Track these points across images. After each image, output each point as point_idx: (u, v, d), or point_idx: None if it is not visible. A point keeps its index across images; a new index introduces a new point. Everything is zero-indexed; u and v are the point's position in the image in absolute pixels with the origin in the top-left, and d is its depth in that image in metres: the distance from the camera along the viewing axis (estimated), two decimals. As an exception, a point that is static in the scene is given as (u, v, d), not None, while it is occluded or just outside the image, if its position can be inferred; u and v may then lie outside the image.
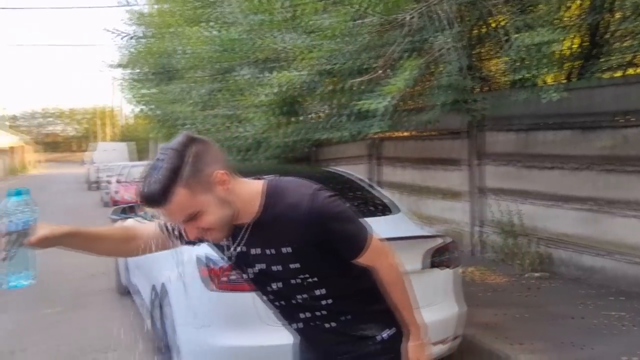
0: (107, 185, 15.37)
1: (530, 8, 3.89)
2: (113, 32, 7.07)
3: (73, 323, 4.83)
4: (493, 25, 4.34)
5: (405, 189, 8.33)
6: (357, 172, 9.11)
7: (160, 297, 3.57)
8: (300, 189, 1.39)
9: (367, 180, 4.22)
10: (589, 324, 4.07)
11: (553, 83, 5.04)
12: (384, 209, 3.69)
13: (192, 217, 1.27)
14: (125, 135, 39.52)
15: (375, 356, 1.51)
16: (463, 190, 6.88)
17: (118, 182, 14.37)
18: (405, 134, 8.28)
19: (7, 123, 47.16)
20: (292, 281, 1.44)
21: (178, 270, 3.35)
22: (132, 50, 10.31)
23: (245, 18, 3.98)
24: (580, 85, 5.06)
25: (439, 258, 3.24)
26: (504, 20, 4.25)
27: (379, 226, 3.39)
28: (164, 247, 1.54)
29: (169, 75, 7.64)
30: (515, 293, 5.01)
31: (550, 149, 5.62)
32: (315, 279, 1.44)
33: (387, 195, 3.97)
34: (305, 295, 1.47)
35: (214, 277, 2.81)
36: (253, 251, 1.43)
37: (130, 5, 8.77)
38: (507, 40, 3.76)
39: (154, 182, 1.22)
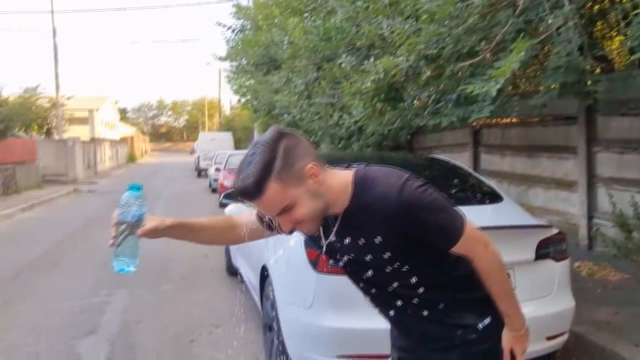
0: (214, 173, 16.24)
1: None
2: (221, 26, 7.43)
3: (188, 299, 5.20)
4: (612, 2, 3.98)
5: (510, 178, 7.95)
6: (457, 160, 8.88)
7: (263, 278, 3.74)
8: (389, 178, 1.36)
9: (467, 168, 4.08)
10: None
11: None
12: (491, 197, 3.57)
13: (285, 210, 1.30)
14: (227, 125, 41.46)
15: (470, 346, 1.47)
16: (575, 179, 6.42)
17: (217, 170, 15.10)
18: (510, 120, 7.88)
19: (119, 116, 51.27)
20: (385, 269, 1.43)
21: (281, 252, 3.49)
22: (237, 42, 10.77)
23: (350, 5, 3.99)
24: None
25: (549, 249, 3.07)
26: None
27: (487, 214, 3.31)
28: (261, 236, 1.60)
29: (271, 66, 7.90)
30: (637, 291, 4.62)
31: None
32: (408, 267, 1.42)
33: (491, 183, 3.82)
34: (397, 284, 1.46)
35: (320, 259, 2.88)
36: (345, 241, 1.43)
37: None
38: (625, 18, 3.43)
39: (247, 177, 1.26)
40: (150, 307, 4.98)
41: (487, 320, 1.48)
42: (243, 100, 11.30)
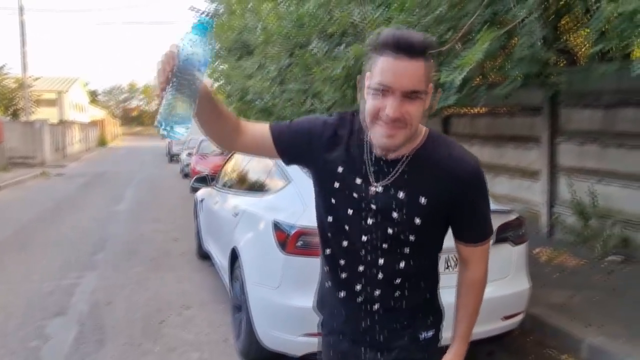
0: (186, 158, 16.14)
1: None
2: (193, 10, 7.38)
3: (158, 282, 5.23)
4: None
5: (478, 167, 8.14)
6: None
7: (233, 260, 3.80)
8: (465, 150, 1.38)
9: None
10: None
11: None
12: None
13: (412, 95, 1.23)
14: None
15: (407, 352, 1.45)
16: (538, 168, 6.64)
17: (189, 155, 15.03)
18: (478, 110, 8.06)
19: (89, 98, 50.17)
20: (392, 237, 1.36)
21: (251, 235, 3.56)
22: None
23: (322, -8, 4.04)
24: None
25: (507, 233, 3.22)
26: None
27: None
28: (266, 152, 1.45)
29: (244, 51, 7.87)
30: (592, 276, 4.85)
31: (635, 127, 5.30)
32: (413, 246, 1.37)
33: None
34: (384, 262, 1.38)
35: (288, 241, 2.95)
36: (386, 191, 1.35)
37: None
38: (587, 12, 3.57)
39: (420, 38, 1.22)
40: (120, 289, 4.99)
41: (430, 333, 1.48)
42: (216, 85, 11.24)
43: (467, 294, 1.47)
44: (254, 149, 1.47)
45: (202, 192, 5.80)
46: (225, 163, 5.57)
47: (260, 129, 1.44)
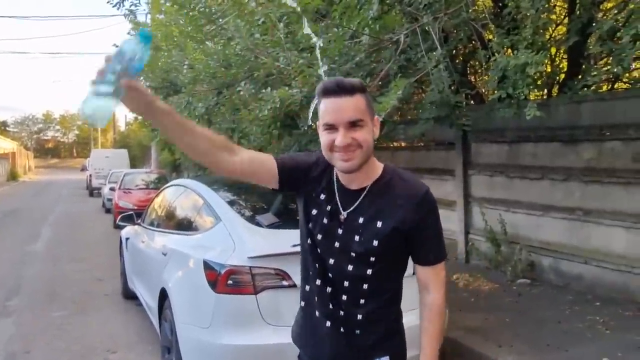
0: (108, 192, 15.55)
1: (515, 30, 4.14)
2: (114, 46, 7.30)
3: (82, 325, 5.03)
4: (481, 43, 4.59)
5: (400, 198, 8.55)
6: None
7: (162, 300, 3.79)
8: (416, 177, 1.57)
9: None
10: (571, 328, 4.31)
11: (535, 99, 5.30)
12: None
13: (355, 124, 1.42)
14: (122, 142, 39.73)
15: None
16: (454, 199, 7.12)
17: (112, 189, 14.43)
18: (399, 144, 8.53)
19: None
20: (355, 260, 1.50)
21: (180, 274, 3.58)
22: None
23: (248, 37, 4.22)
24: (561, 102, 5.33)
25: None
26: (491, 39, 4.51)
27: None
28: (261, 178, 1.57)
29: (171, 90, 7.88)
30: (504, 299, 5.25)
31: (535, 161, 5.88)
32: (375, 269, 1.49)
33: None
34: (349, 284, 1.52)
35: (219, 280, 3.02)
36: (350, 218, 1.52)
37: (131, 13, 8.94)
38: (492, 60, 4.01)
39: (347, 80, 1.45)
40: (39, 335, 4.76)
41: (384, 359, 1.58)
42: (140, 118, 11.07)
43: (430, 319, 1.56)
44: (249, 173, 1.57)
45: (128, 230, 5.69)
46: (153, 200, 5.52)
47: (262, 157, 1.61)
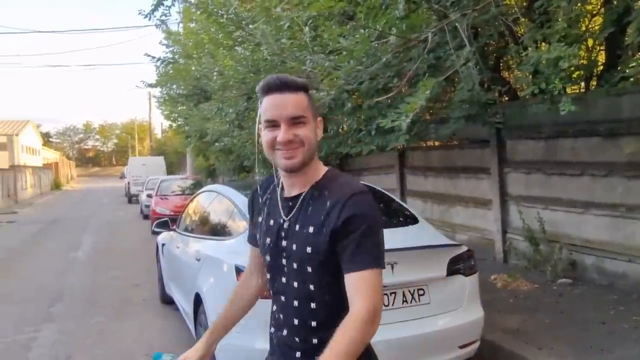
0: (146, 199, 15.92)
1: (548, 23, 4.02)
2: (149, 56, 7.50)
3: (120, 330, 5.15)
4: (513, 38, 4.48)
5: (433, 198, 8.45)
6: (385, 181, 9.32)
7: (196, 305, 3.83)
8: (353, 181, 1.50)
9: (387, 193, 4.40)
10: (616, 329, 4.14)
11: (571, 93, 5.12)
12: (408, 219, 3.89)
13: (297, 121, 1.40)
14: (158, 150, 40.60)
15: None
16: (490, 198, 6.97)
17: (149, 196, 14.78)
18: (432, 143, 8.42)
19: (42, 141, 49.03)
20: (297, 271, 1.45)
21: (213, 280, 3.61)
22: (168, 70, 10.81)
23: (275, 42, 4.24)
24: (599, 95, 5.14)
25: (459, 265, 3.40)
26: (523, 33, 4.40)
27: (404, 236, 3.60)
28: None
29: (202, 97, 8.00)
30: (543, 299, 5.09)
31: (574, 156, 5.69)
32: (315, 278, 1.43)
33: (408, 206, 4.15)
34: (299, 302, 1.46)
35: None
36: (289, 226, 1.48)
37: (163, 23, 9.13)
38: (524, 54, 3.90)
39: (291, 77, 1.43)
40: (80, 341, 4.89)
41: None
42: (175, 125, 11.32)
43: (343, 325, 1.30)
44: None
45: (164, 235, 5.80)
46: (186, 206, 5.61)
47: (253, 256, 1.72)
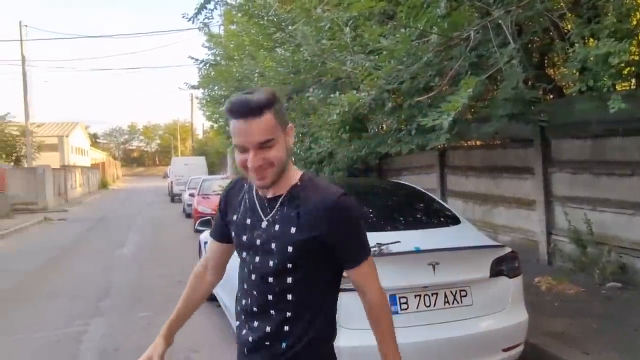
0: (188, 198, 16.28)
1: (596, 18, 3.89)
2: (193, 58, 7.68)
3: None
4: (558, 34, 4.36)
5: (474, 198, 8.31)
6: (425, 181, 9.23)
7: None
8: (331, 185, 1.53)
9: (428, 193, 4.36)
10: (667, 335, 3.98)
11: (621, 90, 4.94)
12: (450, 220, 3.84)
13: (265, 145, 1.40)
14: (200, 150, 41.43)
15: None
16: (534, 198, 6.80)
17: (191, 195, 15.13)
18: (473, 142, 8.28)
19: (90, 141, 50.81)
20: (275, 269, 1.48)
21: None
22: (210, 72, 11.03)
23: (316, 43, 4.27)
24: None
25: (502, 267, 3.34)
26: (570, 29, 4.27)
27: (446, 236, 3.57)
28: (226, 255, 1.76)
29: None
30: (591, 303, 4.94)
31: (624, 156, 5.48)
32: (295, 277, 1.48)
33: (450, 207, 4.10)
34: (273, 297, 1.50)
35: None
36: (267, 226, 1.52)
37: (205, 26, 9.32)
38: (571, 51, 3.80)
39: (253, 98, 1.39)
40: (127, 334, 5.06)
41: None
42: (216, 126, 11.55)
43: (375, 317, 1.54)
44: (223, 258, 1.79)
45: (206, 233, 5.93)
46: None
47: (212, 248, 1.78)
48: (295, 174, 1.55)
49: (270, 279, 1.50)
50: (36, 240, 12.82)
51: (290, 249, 1.47)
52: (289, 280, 1.49)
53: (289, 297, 1.49)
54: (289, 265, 1.48)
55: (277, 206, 1.52)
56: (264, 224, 1.53)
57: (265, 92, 1.45)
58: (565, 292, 5.35)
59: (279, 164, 1.45)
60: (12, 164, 23.30)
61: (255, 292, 1.54)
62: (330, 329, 1.59)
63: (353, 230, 1.50)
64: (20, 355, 4.62)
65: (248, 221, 1.57)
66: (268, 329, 1.51)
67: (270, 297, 1.51)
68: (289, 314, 1.50)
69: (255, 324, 1.54)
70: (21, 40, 23.48)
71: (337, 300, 1.60)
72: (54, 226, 16.03)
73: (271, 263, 1.50)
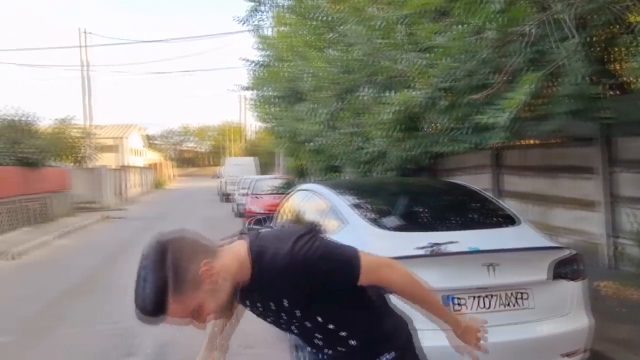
0: (240, 197, 16.59)
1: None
2: (246, 60, 7.84)
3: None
4: (624, 27, 4.16)
5: (531, 199, 8.04)
6: (479, 181, 9.02)
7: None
8: (279, 247, 1.41)
9: (484, 193, 4.26)
10: None
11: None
12: (507, 220, 3.74)
13: (194, 314, 1.36)
14: (251, 150, 42.10)
15: None
16: (596, 199, 6.51)
17: (243, 195, 15.42)
18: (530, 141, 8.01)
19: (146, 143, 52.63)
20: (305, 324, 1.54)
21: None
22: (260, 73, 11.21)
23: (368, 42, 4.26)
24: None
25: (564, 269, 3.22)
26: (636, 22, 4.08)
27: (504, 237, 3.48)
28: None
29: (295, 98, 8.22)
30: (658, 310, 4.69)
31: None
32: (320, 319, 1.51)
33: (508, 207, 3.99)
34: (321, 335, 1.57)
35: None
36: (258, 305, 1.57)
37: (258, 28, 9.49)
38: (637, 44, 3.62)
39: (145, 303, 1.29)
40: (184, 328, 5.19)
41: (392, 355, 1.58)
42: (271, 126, 11.75)
43: (407, 293, 1.53)
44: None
45: (259, 232, 6.01)
46: (282, 204, 5.78)
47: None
48: (242, 259, 1.43)
49: (317, 334, 1.58)
50: (99, 237, 13.42)
51: (297, 312, 1.51)
52: (318, 335, 1.57)
53: (331, 326, 1.54)
54: (308, 324, 1.54)
55: (253, 295, 1.55)
56: (257, 311, 1.62)
57: (152, 278, 1.31)
58: (630, 298, 5.11)
59: (220, 307, 1.42)
60: (74, 164, 24.44)
61: (303, 340, 1.70)
62: (390, 320, 1.63)
63: (327, 268, 1.42)
64: (82, 347, 4.85)
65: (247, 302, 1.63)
66: (343, 349, 1.59)
67: (319, 335, 1.59)
68: (343, 333, 1.55)
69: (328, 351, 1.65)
70: (80, 46, 24.68)
71: (379, 295, 1.63)
72: (113, 224, 16.73)
73: (302, 323, 1.55)
